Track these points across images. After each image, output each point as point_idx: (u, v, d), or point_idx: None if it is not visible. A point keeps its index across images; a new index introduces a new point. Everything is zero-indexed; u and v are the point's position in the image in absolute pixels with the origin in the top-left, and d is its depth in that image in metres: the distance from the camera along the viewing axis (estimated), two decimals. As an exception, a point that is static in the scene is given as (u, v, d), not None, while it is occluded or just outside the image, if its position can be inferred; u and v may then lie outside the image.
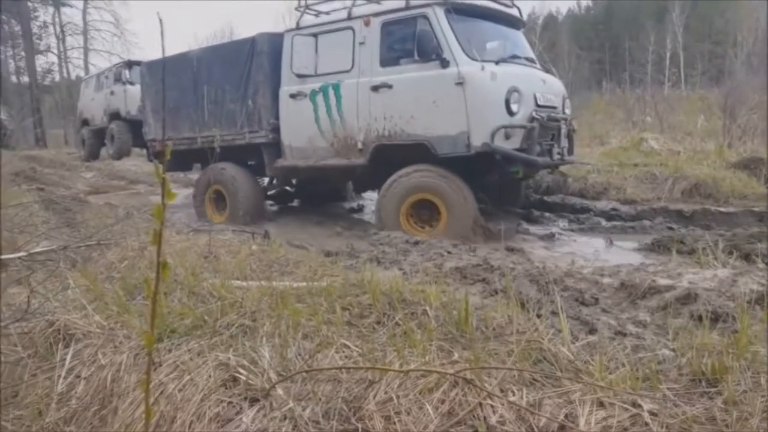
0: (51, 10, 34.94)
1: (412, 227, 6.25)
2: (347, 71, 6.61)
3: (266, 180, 8.32)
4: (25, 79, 33.29)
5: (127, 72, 15.73)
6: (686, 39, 40.21)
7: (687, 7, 40.61)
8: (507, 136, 5.84)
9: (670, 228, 6.30)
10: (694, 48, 40.26)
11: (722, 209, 6.78)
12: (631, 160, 9.67)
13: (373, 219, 7.10)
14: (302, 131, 7.05)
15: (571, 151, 6.83)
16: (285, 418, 1.81)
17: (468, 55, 5.96)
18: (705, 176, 7.89)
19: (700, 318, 2.54)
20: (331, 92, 6.73)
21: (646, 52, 39.04)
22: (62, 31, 35.52)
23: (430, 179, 6.07)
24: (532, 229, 6.72)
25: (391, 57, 6.39)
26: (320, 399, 1.87)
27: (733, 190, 7.53)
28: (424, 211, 6.24)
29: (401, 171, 6.25)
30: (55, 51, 36.25)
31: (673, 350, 2.10)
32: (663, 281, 3.35)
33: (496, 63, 6.02)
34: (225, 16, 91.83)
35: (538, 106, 6.13)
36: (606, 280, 3.59)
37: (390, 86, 6.28)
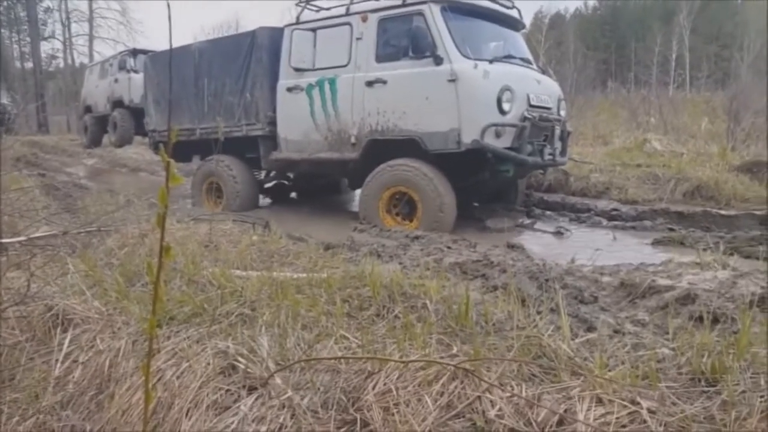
0: (57, -5, 34.89)
1: (394, 221, 6.28)
2: (343, 66, 6.65)
3: (263, 173, 8.39)
4: (30, 64, 33.30)
5: (131, 60, 15.70)
6: (693, 41, 40.11)
7: (695, 8, 40.50)
8: (498, 135, 5.85)
9: (671, 229, 6.28)
10: (700, 50, 40.18)
11: (723, 212, 6.74)
12: (633, 160, 9.64)
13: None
14: (298, 124, 7.09)
15: (564, 153, 6.84)
16: (283, 407, 1.80)
17: (462, 53, 5.97)
18: (707, 178, 7.85)
19: (699, 318, 2.53)
20: (327, 86, 6.77)
21: (652, 53, 38.99)
22: (68, 18, 35.45)
23: (404, 173, 6.12)
24: (533, 226, 6.72)
25: (386, 53, 6.42)
26: (319, 389, 1.86)
27: (735, 192, 7.50)
28: (406, 205, 6.28)
29: (381, 166, 6.30)
30: (60, 37, 36.23)
31: (673, 349, 2.09)
32: (663, 281, 3.33)
33: (490, 62, 6.02)
34: (232, 8, 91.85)
35: (531, 106, 6.13)
36: (605, 279, 3.58)
37: (384, 82, 6.31)
